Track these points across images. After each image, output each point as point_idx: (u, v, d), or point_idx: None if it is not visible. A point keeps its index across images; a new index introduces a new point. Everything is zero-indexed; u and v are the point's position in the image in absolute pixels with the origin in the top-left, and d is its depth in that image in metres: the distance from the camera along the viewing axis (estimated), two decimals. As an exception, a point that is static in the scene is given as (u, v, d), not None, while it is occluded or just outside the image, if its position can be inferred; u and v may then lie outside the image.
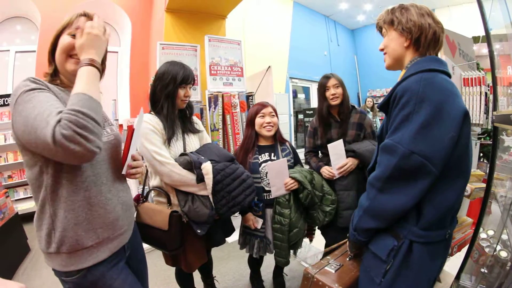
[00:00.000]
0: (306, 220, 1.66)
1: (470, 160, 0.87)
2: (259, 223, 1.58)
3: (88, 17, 0.88)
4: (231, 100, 2.81)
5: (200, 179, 1.23)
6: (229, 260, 2.35)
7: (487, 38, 1.30)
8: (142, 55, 4.33)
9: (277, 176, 1.51)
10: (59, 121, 0.64)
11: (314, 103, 7.81)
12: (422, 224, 0.83)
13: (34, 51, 3.72)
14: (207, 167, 1.23)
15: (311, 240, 1.83)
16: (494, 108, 1.24)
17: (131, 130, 0.91)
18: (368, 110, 5.69)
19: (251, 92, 3.05)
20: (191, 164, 1.23)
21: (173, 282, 1.68)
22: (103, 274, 0.84)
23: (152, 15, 4.29)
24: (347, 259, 1.07)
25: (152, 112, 1.34)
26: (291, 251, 1.66)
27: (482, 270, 1.26)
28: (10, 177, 3.60)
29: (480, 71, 1.67)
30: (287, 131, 6.58)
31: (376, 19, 1.01)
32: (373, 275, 0.89)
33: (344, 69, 8.85)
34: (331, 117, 1.76)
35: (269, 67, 3.32)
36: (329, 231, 1.77)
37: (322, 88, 1.73)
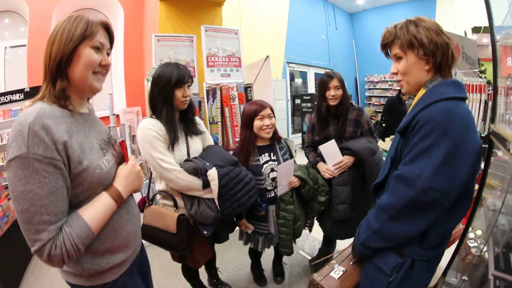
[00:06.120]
0: (305, 211, 1.75)
1: (474, 183, 0.87)
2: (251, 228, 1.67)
3: (106, 27, 0.82)
4: (230, 93, 2.78)
5: (206, 185, 1.26)
6: (230, 250, 2.43)
7: (491, 31, 1.24)
8: (136, 45, 4.18)
9: (284, 176, 1.59)
10: (53, 239, 0.65)
11: (311, 88, 7.75)
12: (426, 246, 0.87)
13: (25, 45, 3.58)
14: (212, 174, 1.25)
15: (310, 231, 1.94)
16: (492, 120, 1.22)
17: (124, 147, 0.94)
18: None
19: (249, 84, 3.02)
20: (196, 170, 1.26)
21: (179, 274, 1.76)
22: (125, 283, 0.88)
23: (144, 4, 4.12)
24: (351, 263, 1.12)
25: (153, 116, 1.33)
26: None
27: (468, 268, 1.31)
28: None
29: (481, 78, 1.66)
30: (285, 116, 6.59)
31: (382, 37, 0.92)
32: (376, 284, 0.94)
33: (342, 53, 8.74)
34: (329, 115, 1.79)
35: (268, 56, 3.26)
36: (326, 223, 1.88)
37: (323, 87, 1.73)
